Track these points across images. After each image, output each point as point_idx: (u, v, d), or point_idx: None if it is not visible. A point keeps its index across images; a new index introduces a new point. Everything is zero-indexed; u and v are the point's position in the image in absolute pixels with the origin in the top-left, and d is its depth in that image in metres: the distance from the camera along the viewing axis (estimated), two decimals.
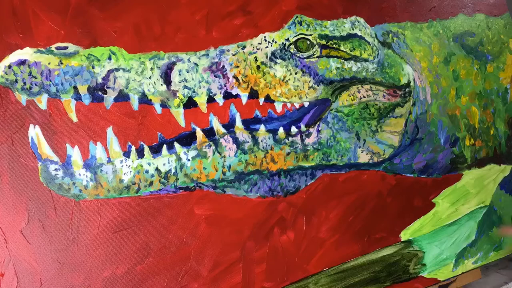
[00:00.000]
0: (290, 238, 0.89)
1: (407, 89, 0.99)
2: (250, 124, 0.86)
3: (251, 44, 0.87)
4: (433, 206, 1.05)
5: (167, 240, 0.79)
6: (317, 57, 0.90)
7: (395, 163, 1.00)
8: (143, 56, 0.79)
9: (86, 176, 0.75)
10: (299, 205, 0.90)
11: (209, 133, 0.83)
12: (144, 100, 0.79)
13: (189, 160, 0.81)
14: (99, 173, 0.76)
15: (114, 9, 0.79)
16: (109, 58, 0.77)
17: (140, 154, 0.78)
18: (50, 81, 0.73)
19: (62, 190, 0.74)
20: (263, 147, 0.87)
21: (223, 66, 0.84)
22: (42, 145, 0.73)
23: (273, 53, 0.88)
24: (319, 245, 0.92)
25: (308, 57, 0.89)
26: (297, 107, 0.90)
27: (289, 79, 0.88)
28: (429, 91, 1.03)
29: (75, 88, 0.75)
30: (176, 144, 0.81)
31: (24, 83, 0.72)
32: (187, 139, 0.82)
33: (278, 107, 0.88)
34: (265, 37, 0.88)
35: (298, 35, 0.90)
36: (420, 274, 1.02)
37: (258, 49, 0.87)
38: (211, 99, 0.83)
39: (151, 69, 0.79)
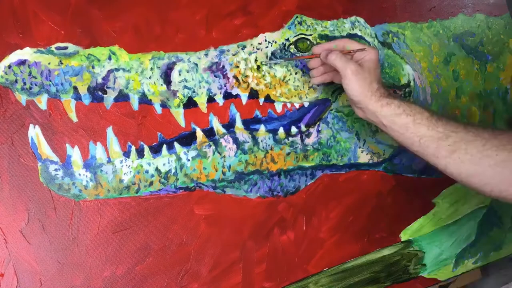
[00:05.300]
0: (290, 238, 0.89)
1: (407, 89, 0.99)
2: (250, 124, 0.86)
3: (251, 44, 0.87)
4: (433, 206, 1.04)
5: (167, 240, 0.79)
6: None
7: (395, 163, 1.00)
8: (143, 56, 0.79)
9: (86, 176, 0.75)
10: (299, 205, 0.90)
11: (209, 133, 0.83)
12: (144, 100, 0.79)
13: (189, 160, 0.81)
14: (99, 173, 0.76)
15: (114, 9, 0.78)
16: (109, 58, 0.77)
17: (140, 154, 0.78)
18: (50, 81, 0.73)
19: (62, 190, 0.74)
20: (263, 147, 0.87)
21: (223, 66, 0.84)
22: (42, 145, 0.73)
23: (273, 53, 0.88)
24: (319, 245, 0.92)
25: None
26: (297, 107, 0.90)
27: (289, 79, 0.88)
28: (429, 91, 1.03)
29: (75, 88, 0.75)
30: (176, 144, 0.81)
31: (24, 83, 0.72)
32: (187, 139, 0.82)
33: (278, 107, 0.88)
34: (265, 37, 0.88)
35: (298, 35, 0.90)
36: (420, 274, 1.02)
37: (258, 49, 0.87)
38: (211, 99, 0.83)
39: (151, 69, 0.79)
